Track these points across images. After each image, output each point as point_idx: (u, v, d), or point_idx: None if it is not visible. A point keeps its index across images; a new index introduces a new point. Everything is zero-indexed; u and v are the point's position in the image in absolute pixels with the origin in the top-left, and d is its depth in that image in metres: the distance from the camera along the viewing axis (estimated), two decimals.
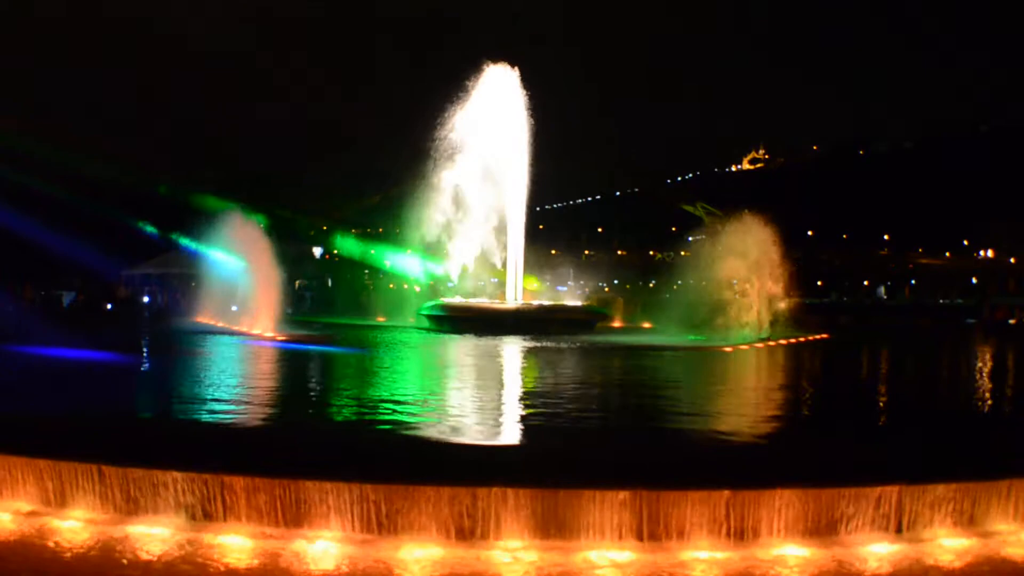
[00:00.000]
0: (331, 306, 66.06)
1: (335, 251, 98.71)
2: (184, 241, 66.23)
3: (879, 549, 6.73)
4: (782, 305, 34.16)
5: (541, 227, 79.65)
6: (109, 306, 58.66)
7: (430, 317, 39.01)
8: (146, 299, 57.52)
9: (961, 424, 12.35)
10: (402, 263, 60.26)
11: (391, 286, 67.10)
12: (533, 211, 44.59)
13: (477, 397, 14.67)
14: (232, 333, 30.75)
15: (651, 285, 65.07)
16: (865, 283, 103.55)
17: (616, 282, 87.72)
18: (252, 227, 37.58)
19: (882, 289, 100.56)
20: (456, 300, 41.76)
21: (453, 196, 43.86)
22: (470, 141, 42.76)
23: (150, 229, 77.09)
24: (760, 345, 28.98)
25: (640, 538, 6.73)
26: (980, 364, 25.14)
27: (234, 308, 36.21)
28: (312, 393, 16.44)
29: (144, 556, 6.49)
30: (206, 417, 11.53)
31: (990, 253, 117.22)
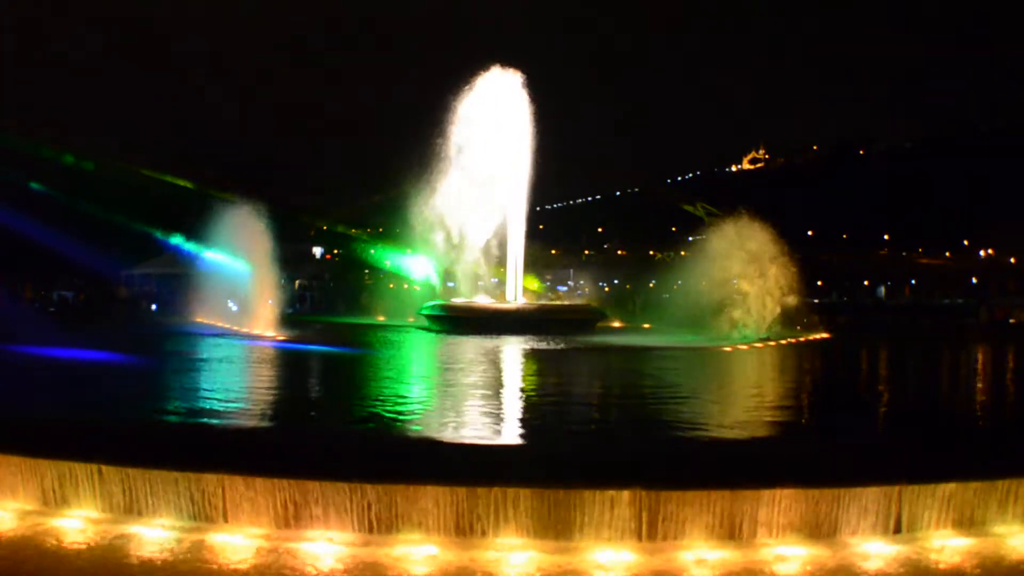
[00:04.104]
0: (331, 306, 66.16)
1: (335, 251, 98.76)
2: (182, 240, 66.32)
3: (879, 549, 6.73)
4: (785, 304, 34.15)
5: (541, 227, 79.63)
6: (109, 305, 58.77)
7: (430, 317, 39.05)
8: (154, 307, 57.68)
9: (961, 424, 12.36)
10: (402, 263, 60.28)
11: (391, 286, 67.11)
12: (533, 211, 44.66)
13: (477, 397, 14.67)
14: (232, 333, 30.77)
15: (651, 285, 64.97)
16: (865, 283, 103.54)
17: (616, 282, 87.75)
18: (252, 226, 37.64)
19: (882, 289, 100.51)
20: (456, 300, 41.78)
21: (453, 196, 43.86)
22: (471, 141, 42.80)
23: (151, 231, 77.09)
24: (760, 345, 28.99)
25: (640, 538, 6.73)
26: (980, 364, 25.14)
27: (234, 308, 36.26)
28: (312, 393, 16.46)
29: (144, 556, 6.49)
30: (206, 417, 11.53)
31: (990, 253, 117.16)
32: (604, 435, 10.98)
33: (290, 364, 22.33)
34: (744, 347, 27.89)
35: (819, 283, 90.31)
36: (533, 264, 50.14)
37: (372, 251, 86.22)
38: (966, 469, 7.38)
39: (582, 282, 74.06)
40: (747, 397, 15.54)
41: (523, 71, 42.14)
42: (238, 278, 36.95)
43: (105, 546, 6.66)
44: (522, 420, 11.98)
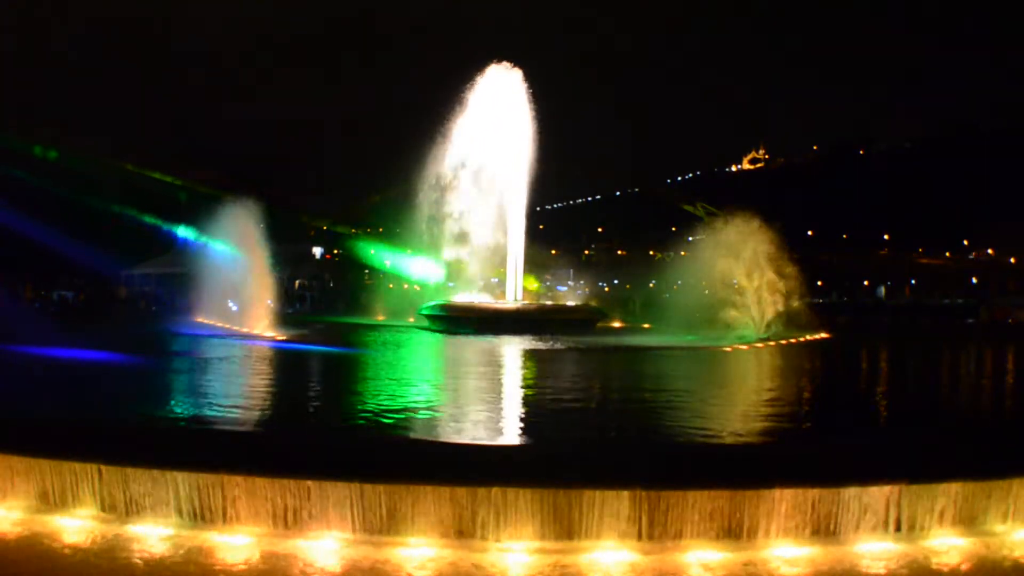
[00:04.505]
0: (331, 306, 66.21)
1: (335, 251, 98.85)
2: (182, 232, 66.36)
3: (879, 549, 6.73)
4: (789, 306, 34.17)
5: (541, 227, 79.69)
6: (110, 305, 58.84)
7: (430, 317, 39.06)
8: (153, 307, 57.77)
9: (961, 424, 12.36)
10: (402, 263, 60.31)
11: (391, 286, 67.15)
12: (533, 211, 44.71)
13: (477, 397, 14.67)
14: (232, 333, 30.75)
15: (651, 285, 65.08)
16: (865, 283, 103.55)
17: (616, 282, 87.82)
18: (251, 226, 37.68)
19: (882, 289, 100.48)
20: (456, 300, 41.80)
21: (453, 196, 43.89)
22: (471, 141, 42.82)
23: (149, 220, 77.07)
24: (760, 345, 28.98)
25: (640, 538, 6.73)
26: (979, 364, 25.14)
27: (234, 308, 36.25)
28: (312, 393, 16.44)
29: (144, 556, 6.49)
30: (206, 417, 11.53)
31: (990, 253, 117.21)
32: (604, 435, 10.98)
33: (290, 364, 22.33)
34: (744, 347, 27.90)
35: (819, 283, 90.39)
36: (533, 264, 50.16)
37: (372, 251, 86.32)
38: (966, 469, 7.38)
39: (582, 282, 74.12)
40: (747, 397, 15.54)
41: (523, 71, 42.19)
42: (238, 278, 36.92)
43: (105, 546, 6.66)
44: (522, 420, 11.97)
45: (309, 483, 6.93)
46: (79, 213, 73.86)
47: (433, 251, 47.13)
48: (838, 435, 11.08)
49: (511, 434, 10.72)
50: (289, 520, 6.94)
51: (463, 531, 6.77)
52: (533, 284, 51.98)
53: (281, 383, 17.62)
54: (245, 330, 31.78)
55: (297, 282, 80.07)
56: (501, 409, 13.23)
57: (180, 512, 7.11)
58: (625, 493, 6.74)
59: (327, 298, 75.83)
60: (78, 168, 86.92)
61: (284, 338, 29.33)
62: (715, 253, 36.72)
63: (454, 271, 46.74)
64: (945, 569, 6.46)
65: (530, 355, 24.67)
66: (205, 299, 38.91)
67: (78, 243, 60.68)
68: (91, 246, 62.24)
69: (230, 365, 20.46)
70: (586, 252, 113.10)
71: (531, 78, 42.05)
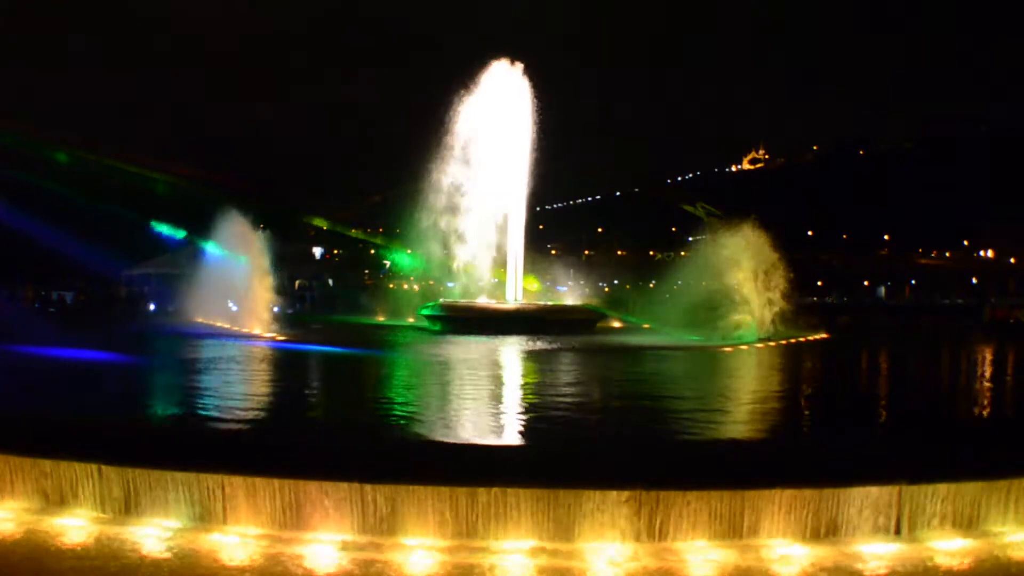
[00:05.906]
0: (331, 306, 66.17)
1: (335, 251, 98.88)
2: (182, 232, 66.37)
3: (879, 549, 6.73)
4: (783, 305, 34.15)
5: (541, 227, 79.71)
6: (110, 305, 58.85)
7: (430, 317, 39.01)
8: (152, 306, 57.75)
9: (961, 424, 12.36)
10: (402, 263, 60.29)
11: (391, 286, 67.12)
12: (533, 211, 44.68)
13: (477, 398, 14.67)
14: (232, 333, 30.75)
15: (651, 285, 65.12)
16: (865, 283, 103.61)
17: (616, 282, 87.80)
18: (252, 225, 37.70)
19: (882, 289, 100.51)
20: (456, 300, 41.79)
21: (454, 196, 43.86)
22: (471, 142, 42.82)
23: (149, 220, 77.08)
24: (760, 345, 28.98)
25: (640, 538, 6.73)
26: (979, 364, 25.14)
27: (234, 308, 36.26)
28: (311, 393, 16.44)
29: (144, 556, 6.49)
30: (206, 417, 11.53)
31: (990, 253, 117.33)
32: (604, 435, 10.97)
33: (290, 364, 22.33)
34: (743, 347, 27.89)
35: (819, 283, 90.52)
36: (533, 264, 50.13)
37: (372, 251, 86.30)
38: (966, 469, 7.38)
39: (582, 282, 74.06)
40: (746, 397, 15.54)
41: (524, 71, 42.17)
42: (238, 277, 36.91)
43: (105, 546, 6.66)
44: (522, 420, 11.97)
45: (309, 483, 6.93)
46: (79, 213, 73.81)
47: (433, 251, 47.06)
48: (838, 435, 11.07)
49: (511, 434, 10.71)
50: (289, 520, 6.94)
51: (463, 531, 6.77)
52: (533, 284, 51.92)
53: (281, 383, 17.62)
54: (245, 330, 31.79)
55: (297, 282, 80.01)
56: (501, 409, 13.22)
57: (180, 512, 7.11)
58: (625, 493, 6.74)
59: (327, 298, 75.74)
60: (77, 168, 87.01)
61: (284, 338, 29.33)
62: (715, 253, 36.70)
63: (454, 271, 46.68)
64: (945, 569, 6.46)
65: (530, 356, 24.67)
66: (205, 299, 38.93)
67: (78, 243, 60.61)
68: (91, 246, 62.17)
69: (230, 365, 20.46)
70: (586, 252, 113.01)
71: (532, 78, 42.07)
